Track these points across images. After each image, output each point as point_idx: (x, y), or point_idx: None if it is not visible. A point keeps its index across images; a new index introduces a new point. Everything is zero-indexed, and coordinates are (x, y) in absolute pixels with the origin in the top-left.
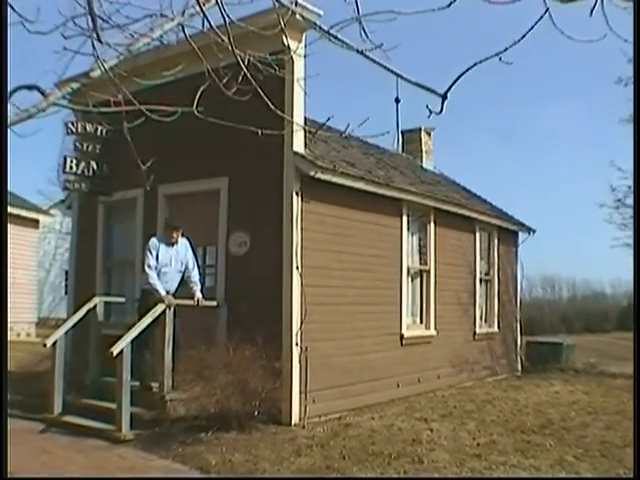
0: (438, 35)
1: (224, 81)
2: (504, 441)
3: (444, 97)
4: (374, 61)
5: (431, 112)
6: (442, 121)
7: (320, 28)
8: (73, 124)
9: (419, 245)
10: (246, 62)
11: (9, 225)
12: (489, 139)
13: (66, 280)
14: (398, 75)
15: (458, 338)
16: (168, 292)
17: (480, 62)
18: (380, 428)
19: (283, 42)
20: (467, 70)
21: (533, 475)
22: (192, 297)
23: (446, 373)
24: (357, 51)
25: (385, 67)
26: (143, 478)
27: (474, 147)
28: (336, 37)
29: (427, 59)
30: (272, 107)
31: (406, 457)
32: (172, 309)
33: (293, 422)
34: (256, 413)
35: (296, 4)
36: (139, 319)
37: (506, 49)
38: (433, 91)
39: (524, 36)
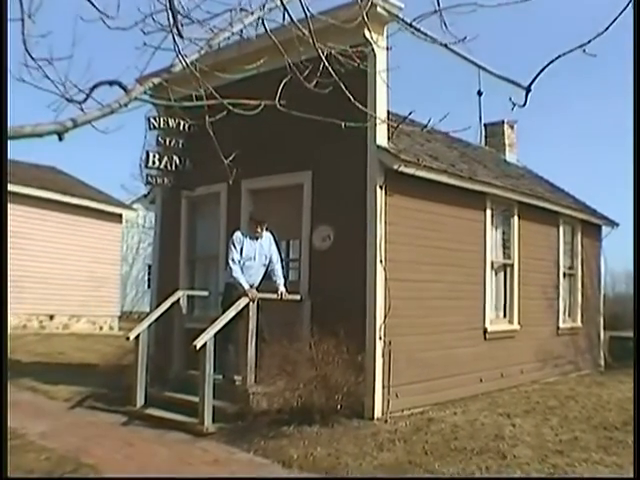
0: (520, 27)
1: (305, 74)
2: (587, 438)
3: (528, 90)
4: (457, 54)
5: (515, 105)
6: (526, 114)
7: (402, 21)
8: (155, 119)
9: (503, 239)
10: (327, 55)
11: (94, 220)
12: (573, 131)
13: (149, 274)
14: (482, 68)
15: (542, 333)
16: (252, 286)
17: (564, 54)
18: (463, 423)
19: (364, 35)
20: (551, 62)
21: (530, 475)
22: (275, 291)
23: (529, 368)
24: (441, 44)
25: (468, 60)
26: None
27: (557, 140)
28: (419, 30)
29: (508, 51)
30: (354, 101)
31: (489, 453)
32: (256, 303)
33: (376, 416)
34: (339, 407)
35: None
36: (223, 313)
37: (589, 41)
38: (517, 84)
39: (607, 28)
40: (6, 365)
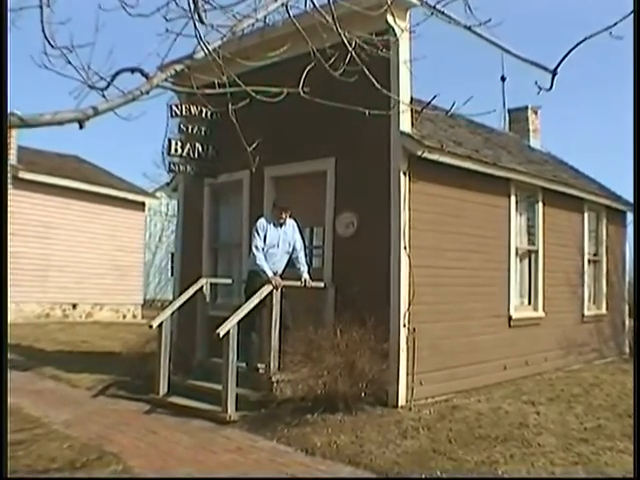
0: (544, 9)
1: (330, 62)
2: (611, 426)
3: (554, 73)
4: (482, 37)
5: (540, 89)
6: (550, 99)
7: (427, 4)
8: (177, 107)
9: (527, 225)
10: (352, 42)
11: (117, 208)
12: (599, 116)
13: (172, 262)
14: (506, 51)
15: (566, 320)
16: (275, 273)
17: (590, 37)
18: (487, 411)
19: (387, 21)
20: (577, 45)
21: (531, 475)
22: (299, 278)
23: (553, 356)
24: (465, 26)
25: (493, 43)
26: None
27: (582, 125)
28: (443, 12)
29: (533, 35)
30: (379, 86)
31: (513, 441)
32: (279, 290)
33: (400, 404)
34: (363, 395)
35: None
36: (246, 300)
37: (616, 23)
38: (543, 67)
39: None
40: (6, 365)
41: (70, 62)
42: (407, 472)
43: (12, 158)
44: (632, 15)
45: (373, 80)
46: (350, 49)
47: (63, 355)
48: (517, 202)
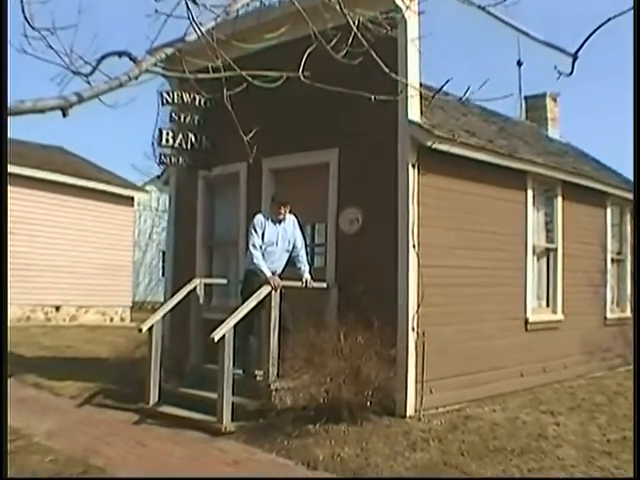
0: None
1: (332, 44)
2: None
3: (575, 57)
4: (497, 17)
5: (560, 74)
6: (569, 85)
7: None
8: (168, 94)
9: (545, 221)
10: (356, 23)
11: (103, 203)
12: (623, 104)
13: (163, 261)
14: (523, 33)
15: (587, 323)
16: (274, 273)
17: (615, 17)
18: (502, 421)
19: (394, 0)
20: (601, 25)
21: (533, 475)
22: (299, 278)
23: (574, 362)
24: (478, 7)
25: (509, 24)
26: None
27: (605, 113)
28: None
29: (552, 16)
30: (386, 69)
31: (530, 453)
32: (278, 291)
33: (408, 414)
34: (368, 403)
35: None
36: (243, 302)
37: None
38: (563, 50)
39: None
40: (6, 364)
41: (51, 46)
42: None
43: None
44: (632, 13)
45: (380, 62)
46: (356, 30)
47: (46, 361)
48: (534, 196)
